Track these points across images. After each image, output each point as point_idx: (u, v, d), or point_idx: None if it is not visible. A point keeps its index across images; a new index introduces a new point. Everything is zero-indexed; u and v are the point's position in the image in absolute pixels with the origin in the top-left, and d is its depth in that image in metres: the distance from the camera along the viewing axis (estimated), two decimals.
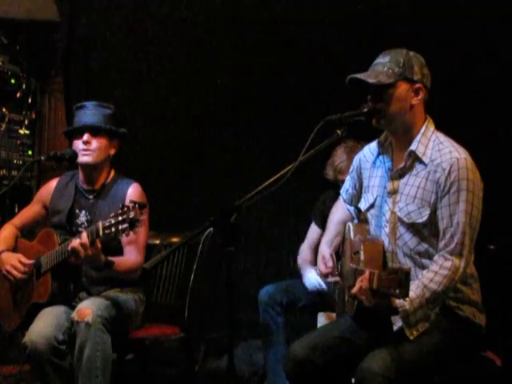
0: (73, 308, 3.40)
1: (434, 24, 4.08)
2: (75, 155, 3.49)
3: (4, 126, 4.90)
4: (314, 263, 3.97)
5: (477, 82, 3.96)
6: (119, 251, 3.43)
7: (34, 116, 5.09)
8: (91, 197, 3.55)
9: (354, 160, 3.05)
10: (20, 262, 3.44)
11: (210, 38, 4.67)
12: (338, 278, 2.97)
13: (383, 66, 2.69)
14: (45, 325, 3.26)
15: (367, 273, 2.47)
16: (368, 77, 2.68)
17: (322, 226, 4.02)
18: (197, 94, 4.72)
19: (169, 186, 4.66)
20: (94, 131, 3.49)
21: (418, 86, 2.69)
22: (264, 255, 4.58)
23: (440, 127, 2.79)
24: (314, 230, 4.09)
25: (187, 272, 3.69)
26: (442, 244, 2.62)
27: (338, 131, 2.69)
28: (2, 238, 3.62)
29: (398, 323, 2.75)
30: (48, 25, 5.03)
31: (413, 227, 2.69)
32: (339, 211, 3.14)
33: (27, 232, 3.76)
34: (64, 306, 3.40)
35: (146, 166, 4.67)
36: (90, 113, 3.53)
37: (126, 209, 3.00)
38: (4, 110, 4.91)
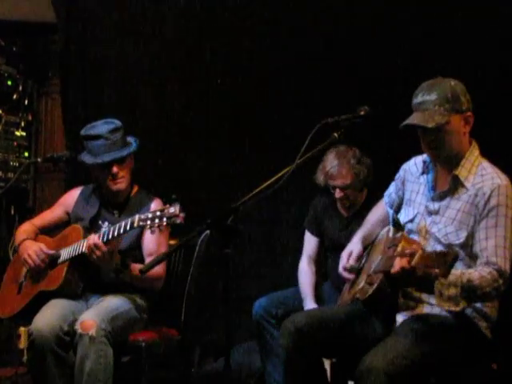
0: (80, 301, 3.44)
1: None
2: (72, 157, 3.49)
3: (0, 127, 4.90)
4: (315, 278, 3.95)
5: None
6: (140, 262, 3.44)
7: (30, 118, 5.08)
8: (116, 211, 3.59)
9: (401, 169, 3.08)
10: (41, 249, 3.47)
11: (210, 39, 4.66)
12: (351, 277, 2.99)
13: (433, 104, 2.70)
14: (51, 314, 3.28)
15: (406, 259, 2.47)
16: (425, 122, 2.69)
17: (317, 233, 4.00)
18: (195, 97, 4.72)
19: (164, 188, 4.65)
20: (121, 161, 3.51)
21: (467, 114, 2.74)
22: (261, 256, 4.57)
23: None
24: (310, 240, 4.02)
25: (184, 274, 3.69)
26: (479, 262, 2.65)
27: (335, 134, 2.71)
28: (23, 231, 3.65)
29: (399, 319, 2.81)
30: (45, 27, 5.03)
31: (450, 248, 2.71)
32: (379, 211, 3.18)
33: (46, 234, 3.76)
34: (71, 300, 3.42)
35: (144, 168, 4.66)
36: (110, 143, 3.50)
37: (166, 205, 3.03)
38: (0, 111, 4.91)
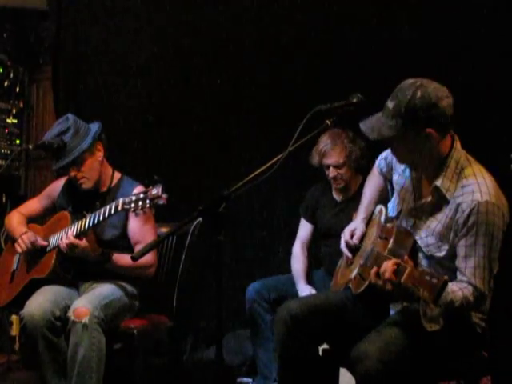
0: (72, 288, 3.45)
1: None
2: (64, 144, 3.47)
3: None
4: (307, 262, 3.98)
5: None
6: (127, 251, 3.44)
7: (21, 105, 5.06)
8: (98, 203, 3.54)
9: (386, 152, 3.02)
10: (36, 237, 3.48)
11: (206, 28, 4.64)
12: (350, 255, 3.00)
13: (388, 113, 2.60)
14: (43, 299, 3.29)
15: (393, 263, 2.46)
16: (371, 130, 2.63)
17: (312, 220, 4.03)
18: (186, 83, 4.70)
19: (152, 174, 4.63)
20: (75, 163, 3.47)
21: (427, 131, 2.59)
22: (253, 244, 4.57)
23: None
24: (304, 226, 4.06)
25: (176, 262, 3.69)
26: (459, 278, 2.62)
27: (327, 121, 2.71)
28: (18, 224, 3.63)
29: (394, 308, 2.82)
30: (36, 13, 5.00)
31: (432, 258, 2.71)
32: (375, 181, 3.12)
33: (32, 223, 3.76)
34: (63, 287, 3.43)
35: (136, 156, 4.65)
36: (58, 149, 3.43)
37: (150, 186, 3.03)
38: None
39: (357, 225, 3.04)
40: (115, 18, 4.81)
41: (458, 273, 2.62)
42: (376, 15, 4.13)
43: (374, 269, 2.53)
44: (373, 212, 3.04)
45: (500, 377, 3.12)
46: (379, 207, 3.00)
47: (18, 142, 5.02)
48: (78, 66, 4.87)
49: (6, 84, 4.96)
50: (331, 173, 3.82)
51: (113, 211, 3.18)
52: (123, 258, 3.39)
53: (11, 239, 3.66)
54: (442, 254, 2.66)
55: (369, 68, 4.05)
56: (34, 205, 3.78)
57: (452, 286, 2.54)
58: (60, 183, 3.73)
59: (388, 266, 2.47)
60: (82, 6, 4.88)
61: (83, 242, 3.27)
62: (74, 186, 3.60)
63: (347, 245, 3.00)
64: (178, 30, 4.70)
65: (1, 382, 4.07)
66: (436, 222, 2.68)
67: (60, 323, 3.26)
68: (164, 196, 2.99)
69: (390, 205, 2.96)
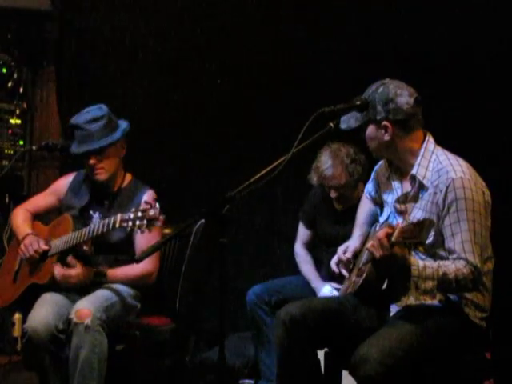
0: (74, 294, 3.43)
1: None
2: (67, 145, 3.47)
3: None
4: (312, 261, 3.98)
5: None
6: (131, 253, 3.45)
7: (25, 105, 5.06)
8: (106, 202, 3.55)
9: (374, 170, 3.10)
10: (37, 241, 3.46)
11: (209, 28, 4.65)
12: (346, 274, 3.01)
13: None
14: (46, 313, 3.27)
15: (386, 228, 2.56)
16: (343, 122, 2.82)
17: (310, 226, 4.02)
18: (190, 87, 4.71)
19: (161, 178, 4.65)
20: (98, 152, 3.46)
21: (383, 124, 2.75)
22: (257, 246, 4.58)
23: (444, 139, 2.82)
24: (302, 230, 4.08)
25: (178, 263, 3.69)
26: (451, 258, 2.66)
27: (331, 124, 2.74)
28: (23, 222, 3.63)
29: (393, 309, 2.84)
30: (40, 14, 5.00)
31: (421, 245, 2.72)
32: (366, 205, 3.18)
33: (38, 219, 3.76)
34: (64, 294, 3.41)
35: (141, 158, 4.65)
36: (86, 134, 3.43)
37: (147, 206, 3.03)
38: None
39: (350, 242, 3.09)
40: (119, 18, 4.81)
41: (449, 255, 2.66)
42: (380, 17, 4.14)
43: (370, 243, 2.58)
44: (369, 232, 3.09)
45: (503, 380, 3.11)
46: (375, 225, 3.06)
47: (21, 142, 5.01)
48: (82, 67, 4.88)
49: (9, 85, 4.95)
50: (332, 194, 3.79)
51: (110, 227, 3.17)
52: (120, 272, 3.41)
53: (16, 237, 3.65)
54: (430, 240, 2.69)
55: (372, 71, 4.05)
56: (39, 201, 3.76)
57: (444, 262, 2.62)
58: (66, 181, 3.71)
59: (380, 232, 2.56)
60: (85, 7, 4.88)
61: (75, 271, 3.32)
62: (82, 184, 3.60)
63: (340, 261, 3.02)
64: (183, 30, 4.71)
65: (3, 383, 4.07)
66: (421, 211, 2.75)
67: (63, 335, 3.26)
68: (161, 218, 3.01)
69: (380, 218, 3.02)
